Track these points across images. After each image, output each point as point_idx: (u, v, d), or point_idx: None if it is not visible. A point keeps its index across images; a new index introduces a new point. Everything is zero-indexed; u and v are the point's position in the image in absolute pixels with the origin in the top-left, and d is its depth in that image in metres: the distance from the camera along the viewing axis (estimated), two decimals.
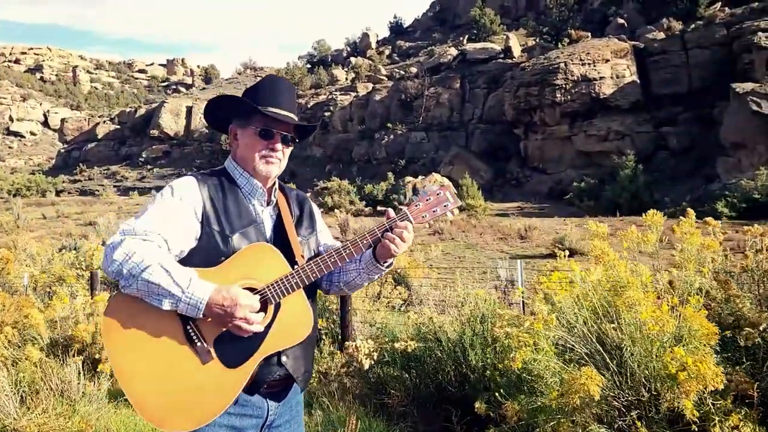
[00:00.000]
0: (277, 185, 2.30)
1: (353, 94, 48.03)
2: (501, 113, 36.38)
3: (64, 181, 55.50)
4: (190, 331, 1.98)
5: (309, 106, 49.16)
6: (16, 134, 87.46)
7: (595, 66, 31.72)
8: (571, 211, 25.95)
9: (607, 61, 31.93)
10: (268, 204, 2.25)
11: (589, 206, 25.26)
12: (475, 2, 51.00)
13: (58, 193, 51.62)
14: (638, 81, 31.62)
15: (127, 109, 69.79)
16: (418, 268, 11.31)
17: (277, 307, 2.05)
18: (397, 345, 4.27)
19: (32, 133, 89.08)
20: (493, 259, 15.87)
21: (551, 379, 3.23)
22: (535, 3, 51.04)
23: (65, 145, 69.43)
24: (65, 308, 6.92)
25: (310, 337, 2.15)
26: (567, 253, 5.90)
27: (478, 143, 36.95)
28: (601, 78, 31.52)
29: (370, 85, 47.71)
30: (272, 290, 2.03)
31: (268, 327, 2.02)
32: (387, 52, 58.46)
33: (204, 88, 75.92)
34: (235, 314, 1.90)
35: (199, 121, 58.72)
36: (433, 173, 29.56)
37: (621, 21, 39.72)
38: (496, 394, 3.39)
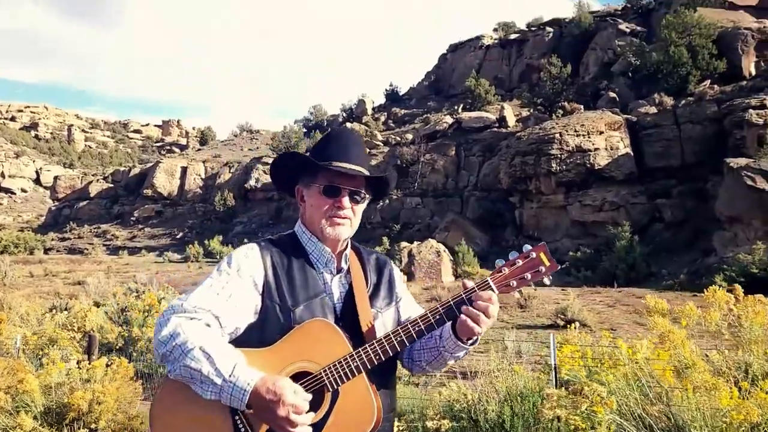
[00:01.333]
0: (349, 249, 2.08)
1: None
2: (496, 181, 36.66)
3: (53, 239, 54.91)
4: (239, 422, 1.73)
5: None
6: (6, 191, 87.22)
7: (589, 137, 32.20)
8: (567, 280, 25.75)
9: (602, 132, 32.45)
10: (338, 271, 2.02)
11: (586, 276, 25.13)
12: (469, 73, 52.27)
13: (46, 251, 50.98)
14: (632, 153, 32.06)
15: (122, 168, 69.94)
16: None
17: (335, 395, 1.77)
18: (429, 424, 3.99)
19: (23, 190, 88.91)
20: (494, 329, 15.54)
21: None
22: (529, 75, 52.38)
23: (56, 203, 69.09)
24: (60, 374, 6.56)
25: (379, 428, 1.89)
26: (577, 325, 5.63)
27: (474, 210, 37.08)
28: (595, 149, 31.96)
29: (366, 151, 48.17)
30: (329, 375, 1.76)
31: (325, 419, 1.75)
32: (383, 118, 59.36)
33: (199, 149, 76.43)
34: (278, 412, 1.63)
35: (193, 182, 58.75)
36: (429, 239, 29.41)
37: (612, 95, 40.71)
38: None
